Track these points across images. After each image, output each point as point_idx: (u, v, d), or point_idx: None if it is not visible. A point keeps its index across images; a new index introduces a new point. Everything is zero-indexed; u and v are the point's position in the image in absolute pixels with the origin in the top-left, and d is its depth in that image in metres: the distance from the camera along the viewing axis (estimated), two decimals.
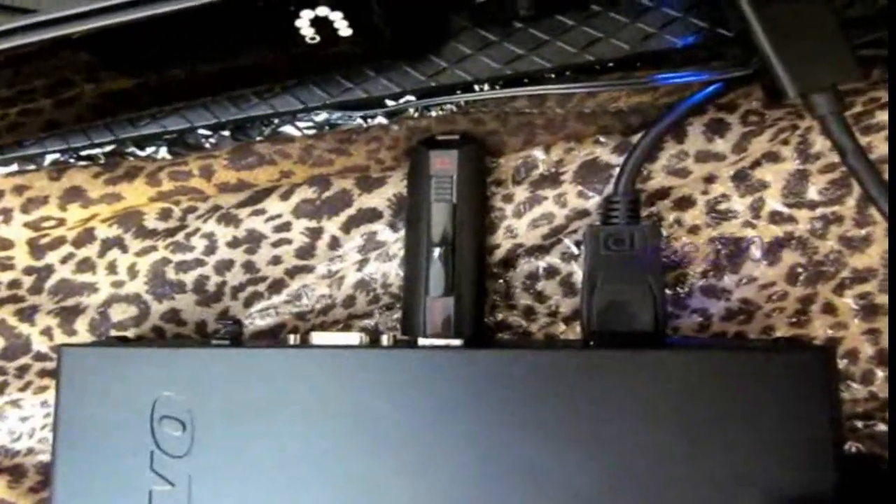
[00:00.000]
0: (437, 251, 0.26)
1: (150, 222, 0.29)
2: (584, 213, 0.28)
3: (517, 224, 0.28)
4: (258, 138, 0.28)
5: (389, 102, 0.27)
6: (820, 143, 0.28)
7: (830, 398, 0.22)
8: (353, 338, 0.25)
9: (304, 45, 0.24)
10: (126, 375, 0.24)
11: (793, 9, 0.24)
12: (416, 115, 0.27)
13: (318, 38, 0.24)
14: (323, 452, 0.24)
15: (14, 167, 0.29)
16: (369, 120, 0.27)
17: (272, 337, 0.29)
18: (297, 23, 0.23)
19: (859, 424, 0.27)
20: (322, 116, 0.28)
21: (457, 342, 0.26)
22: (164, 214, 0.29)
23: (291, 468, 0.24)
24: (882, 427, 0.27)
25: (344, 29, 0.23)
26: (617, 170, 0.27)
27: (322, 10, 0.22)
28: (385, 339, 0.26)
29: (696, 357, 0.23)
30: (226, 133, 0.28)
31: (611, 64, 0.27)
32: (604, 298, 0.25)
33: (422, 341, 0.26)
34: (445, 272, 0.26)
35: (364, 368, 0.24)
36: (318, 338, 0.25)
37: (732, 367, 0.23)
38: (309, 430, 0.24)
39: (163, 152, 0.29)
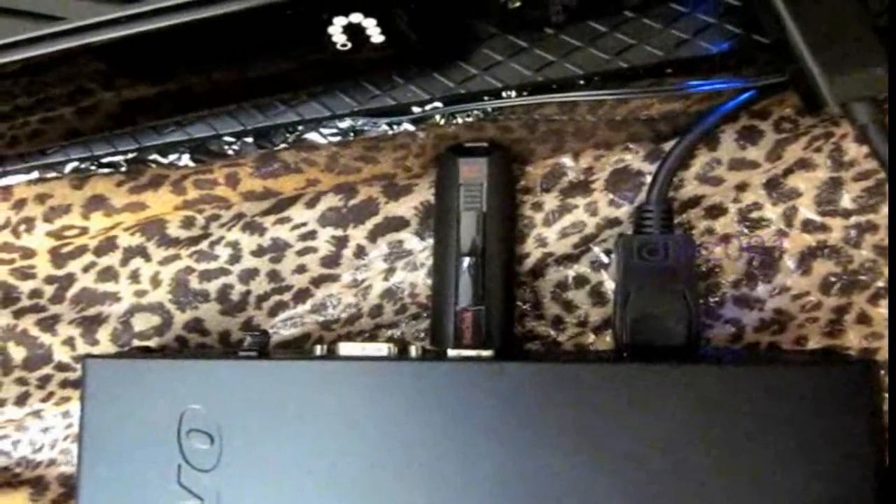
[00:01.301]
0: (466, 261, 0.26)
1: (174, 231, 0.29)
2: (615, 222, 0.27)
3: (547, 233, 0.27)
4: (282, 145, 0.28)
5: (415, 109, 0.27)
6: (854, 150, 0.27)
7: (872, 412, 0.22)
8: (381, 349, 0.25)
9: (335, 52, 0.24)
10: (152, 388, 0.24)
11: (831, 17, 0.23)
12: (443, 122, 0.27)
13: (349, 45, 0.23)
14: (352, 465, 0.23)
15: (35, 175, 0.28)
16: (395, 127, 0.27)
17: (297, 347, 0.28)
18: (330, 30, 0.22)
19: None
20: (347, 123, 0.27)
21: (487, 353, 0.25)
22: (188, 223, 0.29)
23: (320, 482, 0.23)
24: None
25: (376, 36, 0.23)
26: (648, 178, 0.27)
27: (356, 17, 0.22)
28: (413, 351, 0.25)
29: (733, 372, 0.22)
30: (249, 140, 0.28)
31: (642, 71, 0.26)
32: (638, 310, 0.25)
33: (451, 352, 0.25)
34: (475, 282, 0.26)
35: (393, 380, 0.24)
36: (345, 349, 0.25)
37: (771, 382, 0.22)
38: (338, 442, 0.24)
39: (185, 159, 0.28)
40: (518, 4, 0.24)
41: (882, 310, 0.27)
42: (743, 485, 0.22)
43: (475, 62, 0.26)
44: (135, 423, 0.24)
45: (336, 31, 0.22)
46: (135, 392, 0.24)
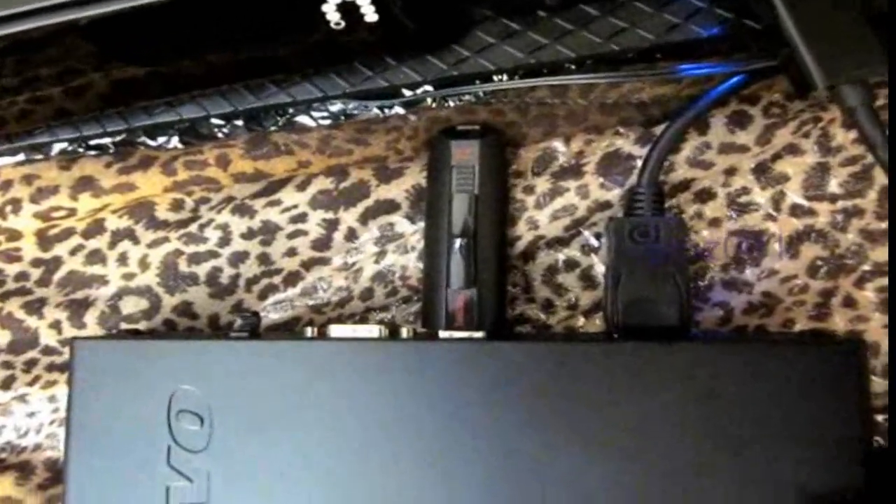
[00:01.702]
0: (458, 243, 0.26)
1: (162, 213, 0.29)
2: (606, 205, 0.27)
3: (539, 216, 0.27)
4: (272, 128, 0.28)
5: (407, 92, 0.27)
6: (841, 136, 0.28)
7: (860, 392, 0.22)
8: (373, 330, 0.25)
9: (328, 31, 0.23)
10: (141, 369, 0.24)
11: (823, 2, 0.24)
12: (435, 105, 0.27)
13: (342, 24, 0.23)
14: (342, 446, 0.23)
15: (22, 156, 0.28)
16: (386, 110, 0.27)
17: (287, 330, 0.28)
18: (324, 7, 0.22)
19: (880, 419, 0.27)
20: (338, 106, 0.27)
21: (479, 335, 0.25)
22: (176, 205, 0.29)
23: (311, 462, 0.23)
24: None
25: (370, 14, 0.23)
26: (639, 161, 0.27)
27: None
28: (405, 332, 0.25)
29: (724, 351, 0.23)
30: (239, 122, 0.28)
31: (633, 55, 0.26)
32: (629, 291, 0.25)
33: (443, 334, 0.25)
34: (467, 264, 0.26)
35: (384, 361, 0.24)
36: (336, 330, 0.25)
37: (761, 362, 0.22)
38: (328, 423, 0.23)
39: (174, 142, 0.28)
40: None
41: (868, 293, 0.27)
42: (732, 462, 0.22)
43: (468, 45, 0.26)
44: (123, 404, 0.24)
45: (330, 8, 0.22)
46: (123, 374, 0.24)
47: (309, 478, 0.23)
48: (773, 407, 0.22)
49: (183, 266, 0.28)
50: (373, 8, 0.23)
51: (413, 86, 0.27)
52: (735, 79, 0.27)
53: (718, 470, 0.22)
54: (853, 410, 0.22)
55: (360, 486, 0.23)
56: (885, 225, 0.27)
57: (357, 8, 0.22)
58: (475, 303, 0.26)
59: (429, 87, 0.27)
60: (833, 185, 0.28)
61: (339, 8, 0.22)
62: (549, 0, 0.25)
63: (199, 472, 0.23)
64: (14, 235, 0.28)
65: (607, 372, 0.23)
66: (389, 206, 0.28)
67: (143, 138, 0.28)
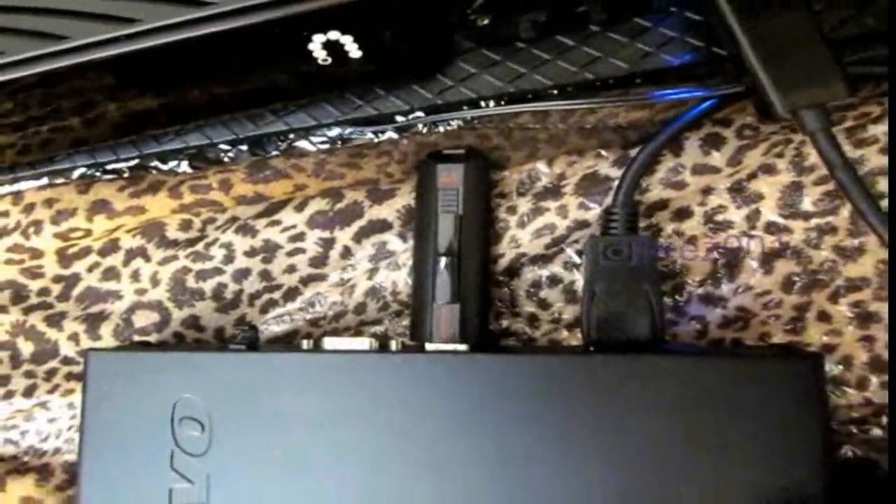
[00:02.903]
0: (443, 260, 0.28)
1: (172, 233, 0.31)
2: (584, 224, 0.29)
3: (521, 234, 0.29)
4: (274, 153, 0.29)
5: (399, 118, 0.29)
6: (814, 155, 0.29)
7: (819, 404, 0.23)
8: (364, 343, 0.27)
9: (317, 66, 0.25)
10: (148, 378, 0.26)
11: (781, 29, 0.25)
12: (425, 130, 0.29)
13: (329, 60, 0.25)
14: (334, 451, 0.25)
15: (45, 181, 0.30)
16: (380, 135, 0.29)
17: (286, 342, 0.30)
18: (310, 46, 0.24)
19: (854, 429, 0.28)
20: (335, 132, 0.29)
21: (463, 347, 0.27)
22: (185, 225, 0.31)
23: (305, 466, 0.25)
24: (877, 431, 0.28)
25: (354, 51, 0.25)
26: (616, 183, 0.28)
27: (333, 35, 0.24)
28: (394, 345, 0.27)
29: (691, 363, 0.24)
30: (244, 148, 0.30)
31: (610, 82, 0.28)
32: (603, 307, 0.26)
33: (429, 346, 0.27)
34: (451, 280, 0.27)
35: (374, 372, 0.26)
36: (330, 343, 0.27)
37: (726, 373, 0.24)
38: (321, 430, 0.25)
39: (184, 166, 0.30)
40: (486, 22, 0.26)
41: (841, 307, 0.28)
42: (699, 469, 0.23)
43: (452, 74, 0.28)
44: (132, 411, 0.26)
45: (316, 47, 0.24)
46: (132, 382, 0.26)
47: (303, 481, 0.25)
48: (735, 418, 0.23)
49: (191, 282, 0.30)
50: (356, 45, 0.24)
51: (401, 113, 0.28)
52: (707, 103, 0.28)
53: (684, 477, 0.23)
54: (813, 421, 0.23)
55: (350, 488, 0.25)
56: (857, 241, 0.28)
57: (341, 46, 0.24)
58: (459, 316, 0.27)
59: (420, 114, 0.28)
60: (807, 204, 0.29)
61: (325, 46, 0.24)
62: (525, 32, 0.27)
63: (199, 475, 0.25)
64: (36, 254, 0.31)
65: (582, 382, 0.24)
66: (382, 226, 0.30)
67: (155, 163, 0.30)
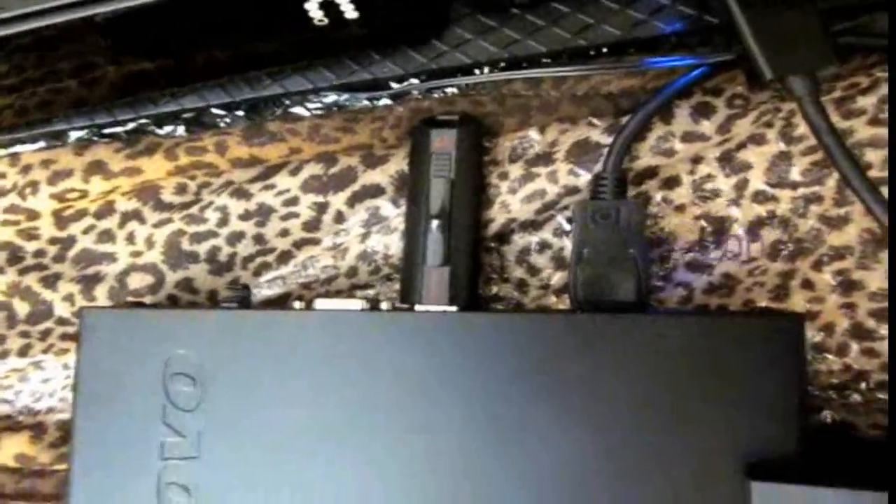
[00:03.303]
0: (434, 223, 0.28)
1: (167, 196, 0.31)
2: (574, 190, 0.29)
3: (511, 199, 0.29)
4: (269, 118, 0.30)
5: (394, 85, 0.29)
6: (803, 125, 0.29)
7: (798, 366, 0.24)
8: (355, 304, 0.27)
9: (313, 28, 0.26)
10: (141, 335, 0.26)
11: None
12: (420, 96, 0.29)
13: (325, 21, 0.25)
14: (324, 408, 0.25)
15: (42, 143, 0.31)
16: (374, 101, 0.29)
17: (279, 305, 0.30)
18: (307, 5, 0.24)
19: (834, 395, 0.29)
20: (331, 98, 0.30)
21: (452, 309, 0.27)
22: (180, 189, 0.31)
23: (295, 422, 0.25)
24: (856, 397, 0.29)
25: (350, 12, 0.25)
26: (607, 149, 0.29)
27: None
28: (384, 306, 0.27)
29: (674, 323, 0.24)
30: (240, 113, 0.30)
31: (604, 49, 0.28)
32: (590, 269, 0.27)
33: (419, 308, 0.27)
34: (442, 243, 0.28)
35: (364, 331, 0.26)
36: (321, 304, 0.27)
37: (707, 333, 0.24)
38: (311, 387, 0.26)
39: (180, 130, 0.30)
40: None
41: (825, 275, 0.29)
42: (681, 428, 0.24)
43: (447, 40, 0.29)
44: (125, 367, 0.26)
45: (313, 6, 0.25)
46: (126, 339, 0.26)
47: (292, 437, 0.25)
48: (715, 376, 0.24)
49: (185, 245, 0.31)
50: (352, 6, 0.25)
51: (396, 78, 0.29)
52: (697, 71, 0.28)
53: (665, 434, 0.24)
54: (791, 382, 0.23)
55: (339, 446, 0.25)
56: (842, 211, 0.29)
57: (337, 6, 0.25)
58: (449, 279, 0.28)
59: (414, 80, 0.29)
60: (794, 173, 0.29)
61: (322, 6, 0.24)
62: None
63: (190, 429, 0.25)
64: (33, 215, 0.31)
65: (567, 341, 0.25)
66: (375, 191, 0.30)
67: (152, 127, 0.31)
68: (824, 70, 0.26)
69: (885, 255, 0.28)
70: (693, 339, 0.24)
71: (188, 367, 0.26)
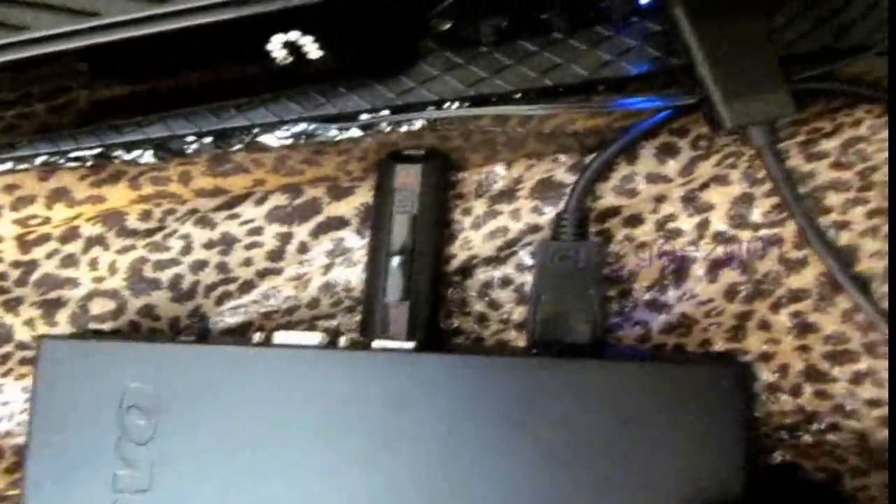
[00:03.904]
0: (395, 259, 0.28)
1: (132, 222, 0.31)
2: (536, 228, 0.29)
3: (474, 236, 0.30)
4: (238, 146, 0.30)
5: (364, 116, 0.29)
6: None
7: (744, 411, 0.24)
8: (314, 337, 0.27)
9: (278, 65, 0.26)
10: (98, 367, 0.26)
11: (733, 44, 0.25)
12: (388, 129, 0.29)
13: (290, 59, 0.25)
14: (278, 444, 0.26)
15: (9, 165, 0.31)
16: (344, 132, 0.29)
17: (240, 334, 0.30)
18: (268, 46, 0.24)
19: (786, 435, 0.29)
20: (300, 127, 0.30)
21: (409, 345, 0.27)
22: (145, 215, 0.31)
23: (247, 458, 0.25)
24: (807, 438, 0.29)
25: (315, 51, 0.25)
26: (570, 188, 0.29)
27: (293, 35, 0.24)
28: (343, 340, 0.28)
29: (623, 368, 0.25)
30: (207, 140, 0.30)
31: (566, 89, 0.28)
32: (547, 309, 0.27)
33: (376, 343, 0.27)
34: (402, 279, 0.28)
35: (320, 368, 0.26)
36: (280, 336, 0.27)
37: (655, 379, 0.25)
38: (266, 423, 0.26)
39: (148, 156, 0.30)
40: (448, 26, 0.26)
41: (781, 317, 0.29)
42: (628, 472, 0.24)
43: (414, 76, 0.29)
44: (81, 398, 0.26)
45: (275, 46, 0.25)
46: (82, 370, 0.26)
47: (245, 472, 0.25)
48: (663, 421, 0.24)
49: (148, 272, 0.31)
50: (316, 45, 0.25)
51: (362, 112, 0.29)
52: (662, 114, 0.29)
53: (611, 478, 0.24)
54: (737, 427, 0.24)
55: (293, 483, 0.25)
56: (801, 253, 0.29)
57: (301, 46, 0.25)
58: (408, 314, 0.28)
59: (385, 112, 0.29)
60: (756, 215, 0.30)
61: (284, 46, 0.24)
62: (486, 37, 0.27)
63: (143, 462, 0.25)
64: None
65: (519, 383, 0.25)
66: (339, 223, 0.30)
67: (119, 152, 0.30)
68: (784, 119, 0.26)
69: (840, 299, 0.29)
70: (642, 385, 0.25)
71: (143, 400, 0.26)
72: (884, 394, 0.29)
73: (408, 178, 0.29)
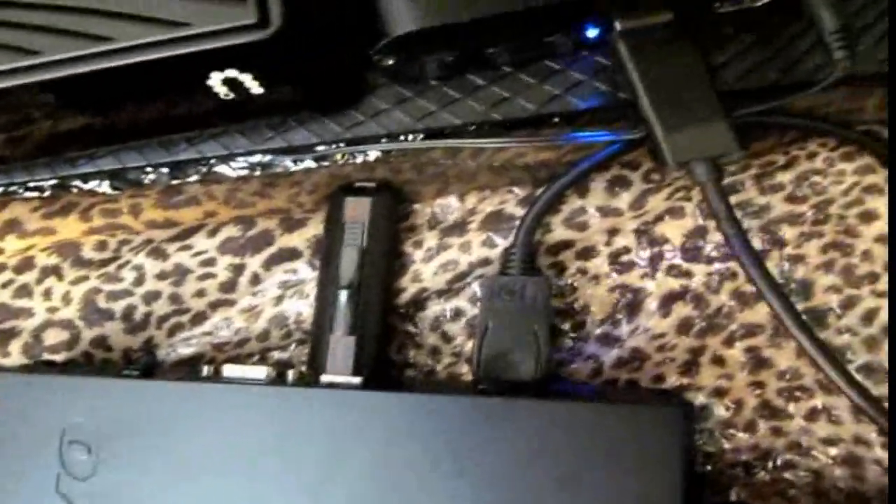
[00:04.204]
0: (343, 293, 0.28)
1: (87, 253, 0.31)
2: (486, 262, 0.29)
3: (424, 269, 0.29)
4: (194, 177, 0.30)
5: (319, 148, 0.29)
6: None
7: (684, 451, 0.24)
8: (261, 371, 0.27)
9: (221, 101, 0.26)
10: (41, 401, 0.26)
11: (676, 81, 0.25)
12: (342, 161, 0.29)
13: (232, 95, 0.25)
14: (221, 480, 0.25)
15: None
16: (299, 163, 0.29)
17: (192, 366, 0.30)
18: (209, 83, 0.24)
19: (741, 473, 0.29)
20: (255, 158, 0.30)
21: (356, 380, 0.27)
22: (101, 246, 0.31)
23: (190, 494, 0.25)
24: (762, 475, 0.29)
25: (256, 88, 0.25)
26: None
27: (231, 73, 0.24)
28: (291, 374, 0.27)
29: (564, 408, 0.24)
30: (165, 171, 0.30)
31: (514, 123, 0.28)
32: (492, 346, 0.27)
33: (324, 378, 0.27)
34: (350, 313, 0.28)
35: (264, 403, 0.26)
36: (228, 370, 0.27)
37: (595, 419, 0.24)
38: (209, 459, 0.25)
39: (104, 186, 0.30)
40: (391, 62, 0.26)
41: (735, 352, 0.29)
42: None
43: (363, 109, 0.29)
44: (22, 432, 0.26)
45: (215, 83, 0.25)
46: (25, 404, 0.26)
47: None
48: (603, 461, 0.24)
49: (101, 302, 0.31)
50: (256, 83, 0.25)
51: (311, 147, 0.29)
52: (610, 148, 0.29)
53: None
54: (677, 468, 0.23)
55: None
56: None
57: (241, 83, 0.25)
58: (355, 349, 0.28)
59: (341, 144, 0.29)
60: (709, 249, 0.29)
61: (224, 83, 0.25)
62: (432, 72, 0.27)
63: (83, 499, 0.25)
64: None
65: (460, 422, 0.25)
66: (292, 254, 0.30)
67: (77, 182, 0.31)
68: (727, 156, 0.26)
69: None
70: (583, 425, 0.24)
71: (84, 435, 0.26)
72: (839, 431, 0.29)
73: (356, 210, 0.29)
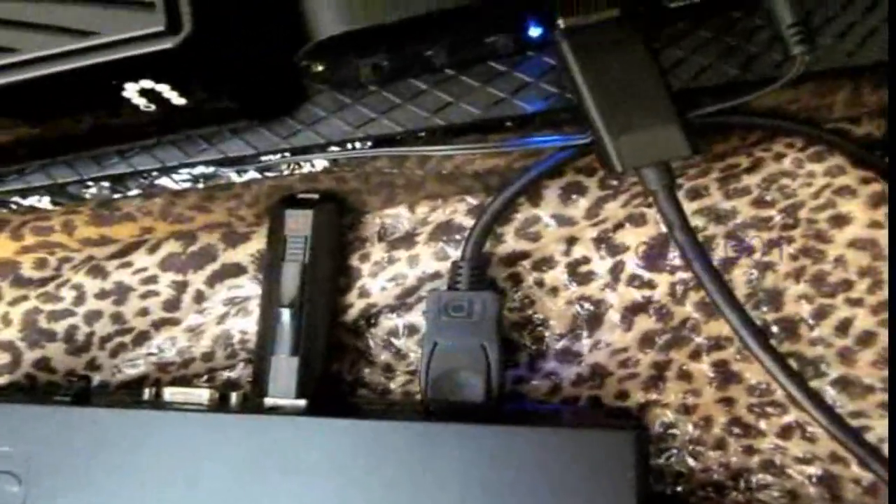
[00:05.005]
0: (285, 312, 0.27)
1: (27, 271, 0.30)
2: (436, 276, 0.28)
3: (371, 284, 0.28)
4: (135, 191, 0.29)
5: (263, 158, 0.28)
6: (685, 206, 0.27)
7: (638, 476, 0.22)
8: (203, 394, 0.26)
9: (144, 113, 0.24)
10: None
11: (622, 81, 0.24)
12: (287, 171, 0.28)
13: (153, 107, 0.24)
14: None
15: None
16: (242, 174, 0.28)
17: (136, 387, 0.29)
18: (125, 94, 0.23)
19: (713, 494, 0.27)
20: (198, 170, 0.28)
21: (301, 403, 0.26)
22: (40, 264, 0.30)
23: None
24: (735, 495, 0.27)
25: (176, 98, 0.24)
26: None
27: (147, 83, 0.23)
28: (234, 398, 0.26)
29: (513, 433, 0.23)
30: (106, 184, 0.29)
31: (458, 128, 0.27)
32: (439, 366, 0.25)
33: (267, 401, 0.26)
34: (292, 333, 0.26)
35: (202, 429, 0.25)
36: (169, 393, 0.26)
37: (544, 444, 0.23)
38: (143, 487, 0.24)
39: (45, 202, 0.29)
40: (321, 68, 0.25)
41: (702, 366, 0.27)
42: None
43: (301, 117, 0.27)
44: None
45: (132, 95, 0.23)
46: None
47: None
48: (553, 487, 0.23)
49: (42, 323, 0.29)
50: (175, 93, 0.23)
51: (248, 158, 0.27)
52: (564, 153, 0.27)
53: None
54: (629, 492, 0.22)
55: None
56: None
57: (159, 94, 0.23)
58: (298, 370, 0.26)
59: (275, 157, 0.27)
60: (672, 257, 0.28)
61: (142, 94, 0.23)
62: (366, 77, 0.26)
63: None
64: None
65: (404, 448, 0.24)
66: (236, 270, 0.29)
67: (16, 198, 0.30)
68: (680, 160, 0.24)
69: None
70: (531, 450, 0.23)
71: (14, 465, 0.25)
72: (814, 449, 0.27)
73: (298, 224, 0.27)
